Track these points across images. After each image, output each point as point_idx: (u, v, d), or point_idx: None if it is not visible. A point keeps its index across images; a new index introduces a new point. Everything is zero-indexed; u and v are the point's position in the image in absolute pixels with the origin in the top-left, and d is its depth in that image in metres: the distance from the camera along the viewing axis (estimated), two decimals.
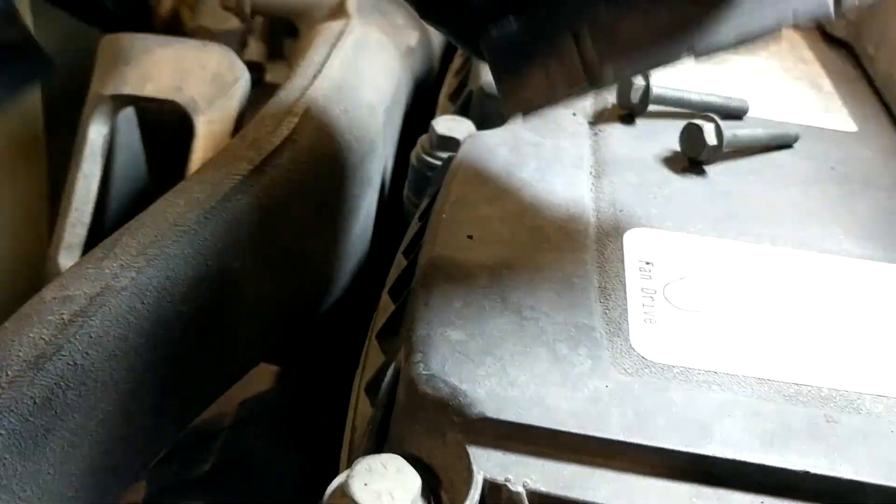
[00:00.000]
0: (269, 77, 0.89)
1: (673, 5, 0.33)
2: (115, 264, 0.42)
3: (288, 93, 0.52)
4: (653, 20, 0.34)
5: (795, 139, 0.57)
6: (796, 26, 0.35)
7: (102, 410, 0.39)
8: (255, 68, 0.81)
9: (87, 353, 0.39)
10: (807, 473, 0.34)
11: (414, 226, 0.55)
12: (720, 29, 0.34)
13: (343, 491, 0.34)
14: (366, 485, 0.34)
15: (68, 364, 0.38)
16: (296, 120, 0.49)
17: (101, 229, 0.63)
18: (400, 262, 0.52)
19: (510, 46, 0.35)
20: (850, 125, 0.61)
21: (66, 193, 0.65)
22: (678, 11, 0.34)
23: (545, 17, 0.34)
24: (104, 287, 0.41)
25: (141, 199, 0.45)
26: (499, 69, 0.36)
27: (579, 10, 0.33)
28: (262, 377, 0.61)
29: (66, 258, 0.63)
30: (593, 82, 0.35)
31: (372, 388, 0.44)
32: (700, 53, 0.34)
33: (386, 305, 0.49)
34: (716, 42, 0.34)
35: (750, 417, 0.37)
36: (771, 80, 0.67)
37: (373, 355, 0.46)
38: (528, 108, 0.36)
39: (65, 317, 0.39)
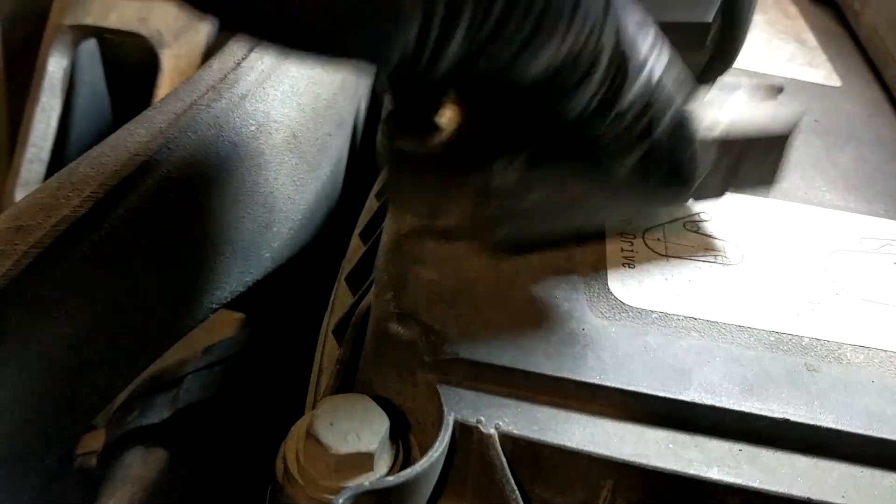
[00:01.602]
0: None
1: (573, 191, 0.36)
2: (71, 194, 0.39)
3: None
4: (555, 197, 0.36)
5: (780, 91, 0.56)
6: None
7: (56, 346, 0.37)
8: None
9: (40, 286, 0.37)
10: (786, 421, 0.34)
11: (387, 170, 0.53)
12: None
13: (308, 430, 0.32)
14: (331, 424, 0.32)
15: (21, 298, 0.36)
16: (265, 51, 0.47)
17: (60, 167, 0.61)
18: (372, 204, 0.51)
19: (434, 155, 0.34)
20: (834, 80, 0.60)
21: (24, 128, 0.62)
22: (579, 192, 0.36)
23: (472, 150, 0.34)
24: (60, 218, 0.38)
25: (103, 137, 0.42)
26: (403, 168, 0.36)
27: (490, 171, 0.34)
28: (226, 323, 0.59)
29: (23, 195, 0.60)
30: (477, 234, 0.37)
31: (340, 330, 0.42)
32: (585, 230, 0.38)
33: (356, 248, 0.48)
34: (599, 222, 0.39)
35: (729, 364, 0.36)
36: (755, 33, 0.65)
37: (342, 298, 0.45)
38: (408, 209, 0.37)
39: (18, 248, 0.37)
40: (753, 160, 0.40)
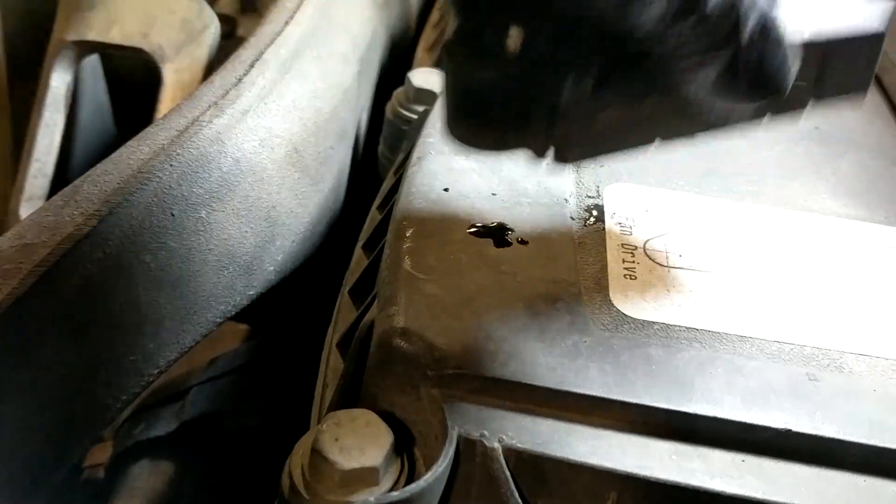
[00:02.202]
0: (241, 31, 0.86)
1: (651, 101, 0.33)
2: (76, 212, 0.40)
3: (259, 39, 0.50)
4: (629, 113, 0.34)
5: None
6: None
7: (62, 363, 0.37)
8: (226, 21, 0.78)
9: (46, 305, 0.37)
10: (789, 432, 0.34)
11: (389, 181, 0.53)
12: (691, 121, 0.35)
13: (313, 446, 0.32)
14: (336, 440, 0.32)
15: (27, 316, 0.37)
16: (266, 66, 0.47)
17: (64, 182, 0.61)
18: (374, 216, 0.51)
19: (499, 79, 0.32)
20: None
21: (28, 144, 0.63)
22: (655, 106, 0.34)
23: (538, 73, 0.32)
24: (65, 236, 0.39)
25: (107, 152, 0.43)
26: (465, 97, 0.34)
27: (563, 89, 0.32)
28: (230, 335, 0.60)
29: (28, 210, 0.61)
30: (555, 157, 0.34)
31: (344, 344, 0.43)
32: (666, 140, 0.35)
33: (359, 260, 0.48)
34: (682, 132, 0.35)
35: (731, 375, 0.36)
36: None
37: (345, 311, 0.45)
38: (472, 143, 0.35)
39: (23, 266, 0.38)
40: (843, 63, 0.36)
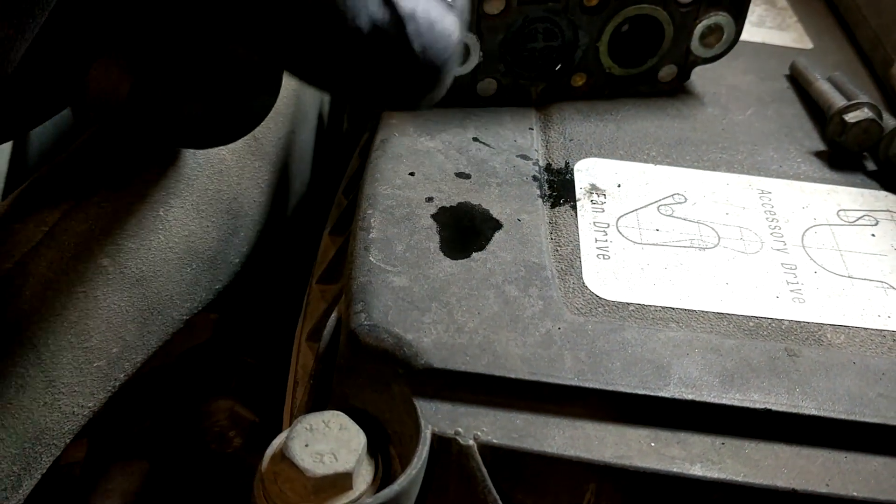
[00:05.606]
0: None
1: None
2: (28, 217, 0.38)
3: None
4: None
5: None
6: None
7: (21, 376, 0.36)
8: None
9: (2, 315, 0.36)
10: (768, 412, 0.33)
11: (354, 162, 0.52)
12: None
13: (283, 453, 0.32)
14: (307, 446, 0.31)
15: None
16: None
17: (20, 176, 0.59)
18: (340, 201, 0.49)
19: None
20: (805, 42, 0.59)
21: None
22: None
23: None
24: (17, 243, 0.37)
25: (64, 142, 0.41)
26: None
27: None
28: (200, 326, 0.58)
29: None
30: None
31: (314, 337, 0.42)
32: None
33: (327, 248, 0.47)
34: None
35: (709, 355, 0.35)
36: None
37: (314, 302, 0.44)
38: None
39: None
40: None
